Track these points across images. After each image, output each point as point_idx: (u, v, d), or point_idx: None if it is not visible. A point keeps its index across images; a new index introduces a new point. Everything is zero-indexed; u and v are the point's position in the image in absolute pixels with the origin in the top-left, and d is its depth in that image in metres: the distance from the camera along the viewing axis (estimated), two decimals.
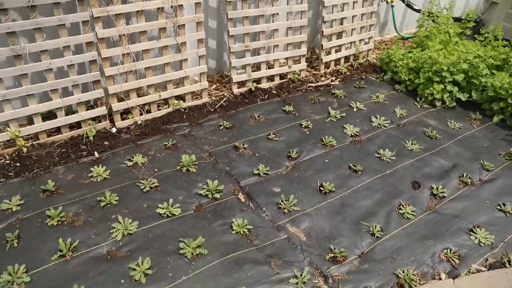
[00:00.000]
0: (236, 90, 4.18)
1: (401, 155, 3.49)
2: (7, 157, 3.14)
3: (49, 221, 2.60)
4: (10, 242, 2.47)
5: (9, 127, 3.16)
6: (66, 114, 3.36)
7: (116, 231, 2.58)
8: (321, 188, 3.05)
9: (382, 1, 5.12)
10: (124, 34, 3.34)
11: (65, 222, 2.62)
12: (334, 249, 2.58)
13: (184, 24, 3.60)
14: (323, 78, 4.67)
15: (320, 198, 2.98)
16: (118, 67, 3.41)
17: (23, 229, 2.56)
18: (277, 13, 4.13)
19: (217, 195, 2.91)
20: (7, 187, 2.88)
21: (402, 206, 2.96)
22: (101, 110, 3.46)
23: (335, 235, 2.70)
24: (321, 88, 4.45)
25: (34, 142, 3.29)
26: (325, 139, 3.57)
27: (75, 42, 3.19)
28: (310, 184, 3.10)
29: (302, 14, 4.39)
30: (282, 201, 2.89)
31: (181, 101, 3.84)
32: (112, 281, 2.30)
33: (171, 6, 3.47)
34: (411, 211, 2.92)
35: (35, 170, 3.04)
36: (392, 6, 5.31)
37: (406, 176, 3.26)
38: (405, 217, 2.87)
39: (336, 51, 4.84)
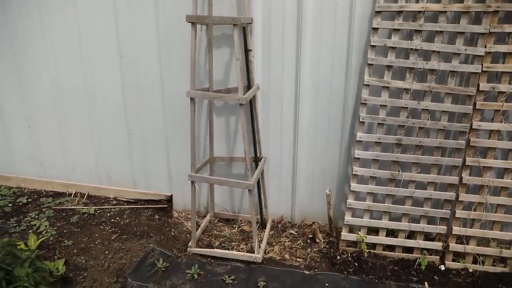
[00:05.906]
0: None
1: None
2: (349, 255, 3.69)
3: None
4: None
5: (359, 231, 3.74)
6: (405, 237, 3.69)
7: None
8: None
9: None
10: (486, 185, 3.49)
11: None
12: None
13: None
14: None
15: None
16: (469, 212, 3.54)
17: None
18: None
19: None
20: (348, 281, 3.36)
21: None
22: (437, 245, 3.62)
23: None
24: None
25: (370, 250, 3.74)
26: None
27: (441, 181, 3.55)
28: None
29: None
30: None
31: None
32: None
33: None
34: None
35: (370, 276, 3.43)
36: None
37: None
38: None
39: None
